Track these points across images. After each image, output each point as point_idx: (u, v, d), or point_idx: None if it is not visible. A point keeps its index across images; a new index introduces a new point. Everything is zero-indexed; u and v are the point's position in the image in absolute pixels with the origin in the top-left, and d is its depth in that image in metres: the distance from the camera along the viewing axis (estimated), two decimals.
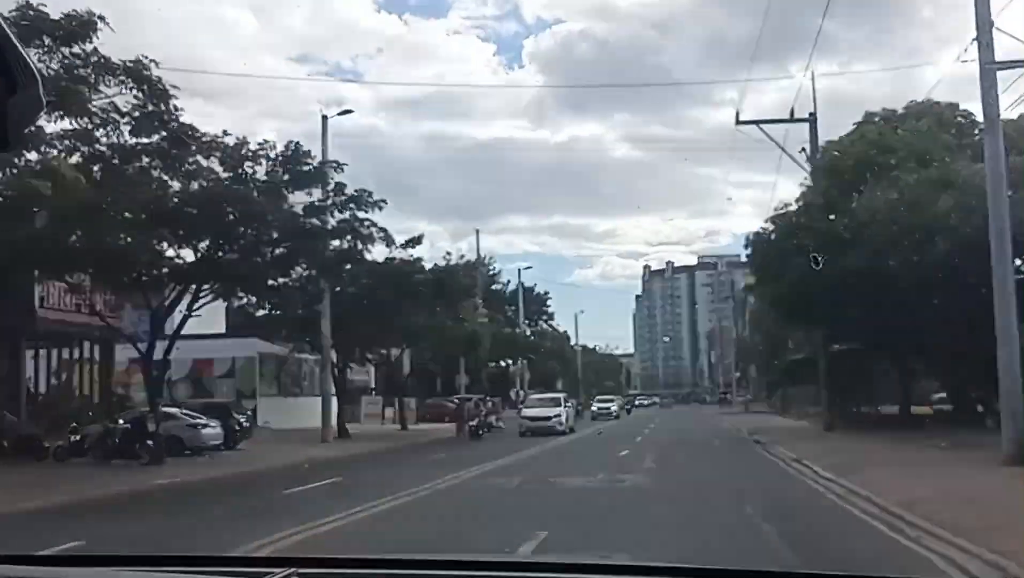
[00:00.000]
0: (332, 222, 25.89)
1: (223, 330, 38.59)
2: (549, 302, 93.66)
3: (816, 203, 26.89)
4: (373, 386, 51.59)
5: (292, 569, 2.06)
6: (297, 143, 23.91)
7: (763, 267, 30.74)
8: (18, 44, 1.13)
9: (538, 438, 32.60)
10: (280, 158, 23.12)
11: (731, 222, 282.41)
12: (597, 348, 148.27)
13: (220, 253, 23.23)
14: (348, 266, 30.03)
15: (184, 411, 26.39)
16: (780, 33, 61.64)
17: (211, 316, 28.99)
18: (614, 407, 63.99)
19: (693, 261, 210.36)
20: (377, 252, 30.23)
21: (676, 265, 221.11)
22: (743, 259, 57.39)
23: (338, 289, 32.02)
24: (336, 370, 36.22)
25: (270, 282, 25.99)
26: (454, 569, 2.39)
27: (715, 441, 31.89)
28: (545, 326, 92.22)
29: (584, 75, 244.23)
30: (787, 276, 26.48)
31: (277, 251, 24.52)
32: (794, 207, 28.00)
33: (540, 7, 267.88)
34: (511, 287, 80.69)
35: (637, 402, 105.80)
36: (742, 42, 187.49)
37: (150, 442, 21.39)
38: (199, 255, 22.90)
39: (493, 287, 78.59)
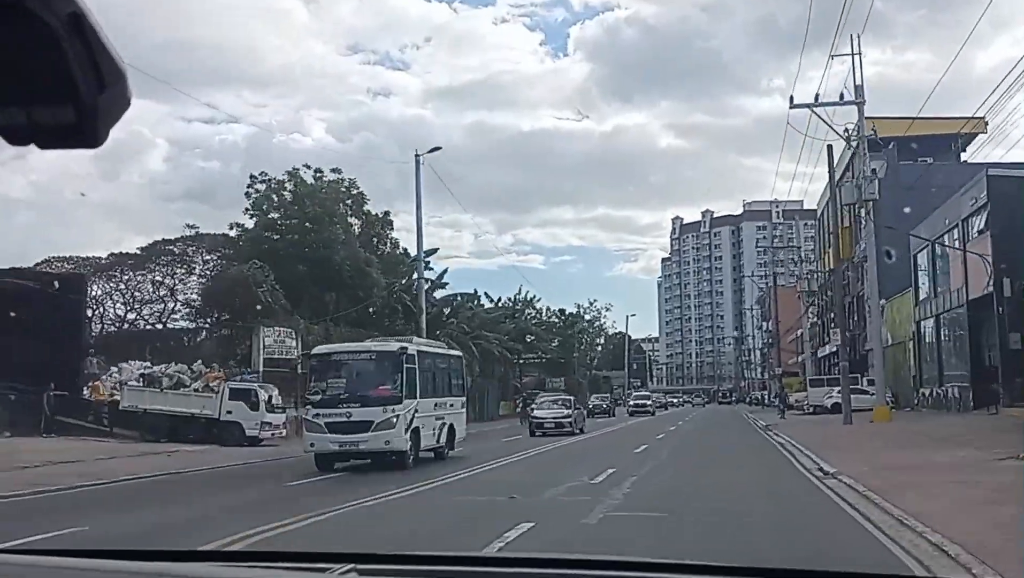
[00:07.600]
0: None
1: None
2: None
3: None
4: None
5: (351, 565, 2.03)
6: None
7: None
8: (106, 43, 1.13)
9: None
10: None
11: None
12: (585, 314, 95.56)
13: None
14: None
15: None
16: (832, 17, 52.97)
17: None
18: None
19: (737, 211, 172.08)
20: None
21: (716, 215, 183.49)
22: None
23: None
24: None
25: None
26: (520, 566, 2.25)
27: None
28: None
29: (630, 62, 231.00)
30: None
31: None
32: None
33: None
34: None
35: (593, 403, 61.66)
36: (793, 25, 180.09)
37: None
38: None
39: None
